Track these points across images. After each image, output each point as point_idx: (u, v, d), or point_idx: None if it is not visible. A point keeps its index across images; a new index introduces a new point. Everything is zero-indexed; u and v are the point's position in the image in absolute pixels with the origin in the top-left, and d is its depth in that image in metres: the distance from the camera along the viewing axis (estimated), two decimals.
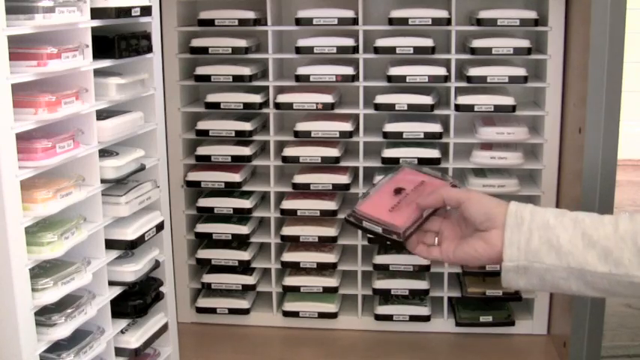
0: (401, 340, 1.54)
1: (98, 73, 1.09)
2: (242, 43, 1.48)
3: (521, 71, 1.44)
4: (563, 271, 0.95)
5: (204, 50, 1.50)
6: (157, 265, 1.26)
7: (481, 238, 0.99)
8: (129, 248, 1.17)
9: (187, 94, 1.59)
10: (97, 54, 1.08)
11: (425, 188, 1.06)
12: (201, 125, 1.54)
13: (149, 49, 1.20)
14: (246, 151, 1.53)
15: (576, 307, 1.33)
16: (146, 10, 1.17)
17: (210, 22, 1.49)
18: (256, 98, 1.51)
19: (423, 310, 1.54)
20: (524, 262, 0.96)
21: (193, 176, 1.55)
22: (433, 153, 1.48)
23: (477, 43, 1.43)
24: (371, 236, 1.05)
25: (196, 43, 1.50)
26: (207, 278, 1.59)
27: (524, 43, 1.43)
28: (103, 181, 1.11)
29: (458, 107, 1.46)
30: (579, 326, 1.33)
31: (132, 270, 1.18)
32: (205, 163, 1.54)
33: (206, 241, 1.59)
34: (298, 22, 1.46)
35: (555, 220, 0.96)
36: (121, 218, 1.16)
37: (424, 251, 1.04)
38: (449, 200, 1.03)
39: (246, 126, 1.52)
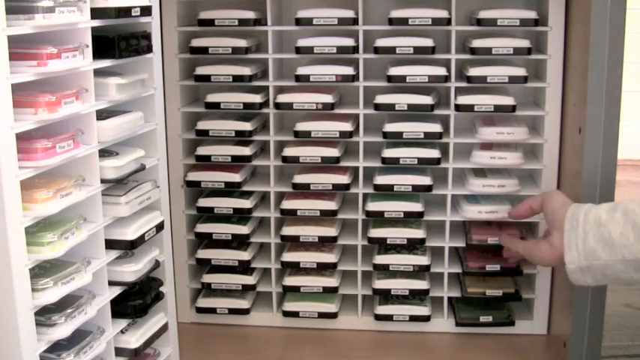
0: (401, 340, 1.54)
1: (98, 73, 1.09)
2: (242, 43, 1.48)
3: (521, 71, 1.44)
4: (621, 264, 1.00)
5: (204, 50, 1.50)
6: (157, 265, 1.26)
7: (547, 241, 1.09)
8: (129, 248, 1.17)
9: (187, 94, 1.59)
10: (97, 54, 1.08)
11: None
12: (201, 125, 1.54)
13: (149, 49, 1.20)
14: (246, 151, 1.53)
15: (576, 307, 1.33)
16: (146, 10, 1.17)
17: (210, 22, 1.49)
18: (256, 98, 1.50)
19: (423, 310, 1.54)
20: (584, 262, 1.03)
21: (193, 176, 1.55)
22: (433, 153, 1.48)
23: (477, 43, 1.43)
24: None
25: (196, 43, 1.50)
26: (207, 278, 1.59)
27: (524, 43, 1.43)
28: (103, 181, 1.11)
29: (458, 107, 1.46)
30: (579, 326, 1.33)
31: (132, 270, 1.18)
32: (205, 163, 1.54)
33: (206, 241, 1.59)
34: (298, 22, 1.46)
35: (607, 215, 1.01)
36: (121, 218, 1.16)
37: (513, 241, 1.25)
38: (535, 204, 1.18)
39: (246, 126, 1.52)
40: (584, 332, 1.33)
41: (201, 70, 1.51)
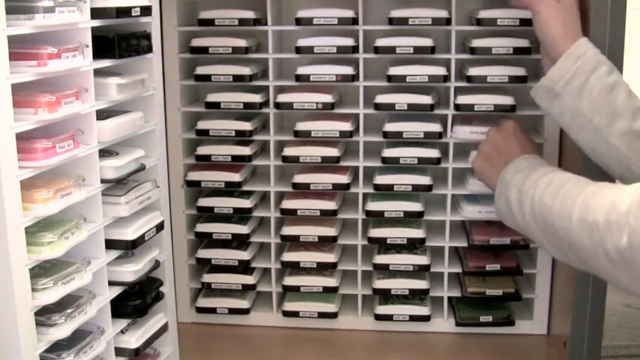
0: (401, 340, 1.54)
1: (98, 73, 1.09)
2: (242, 43, 1.48)
3: (521, 71, 1.44)
4: (581, 117, 1.11)
5: (204, 50, 1.50)
6: (157, 265, 1.26)
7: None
8: (129, 248, 1.17)
9: (187, 94, 1.59)
10: (97, 54, 1.08)
11: None
12: (201, 125, 1.54)
13: (149, 49, 1.20)
14: (246, 150, 1.53)
15: (576, 307, 1.33)
16: (146, 10, 1.17)
17: (210, 22, 1.49)
18: (256, 98, 1.51)
19: (423, 310, 1.54)
20: (558, 89, 1.12)
21: (193, 176, 1.55)
22: (433, 153, 1.48)
23: (476, 43, 1.43)
24: None
25: (196, 42, 1.50)
26: (207, 278, 1.59)
27: (524, 43, 1.43)
28: (103, 181, 1.11)
29: (458, 107, 1.46)
30: (579, 326, 1.33)
31: (132, 270, 1.18)
32: (205, 162, 1.54)
33: (206, 240, 1.59)
34: (298, 22, 1.46)
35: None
36: (121, 218, 1.16)
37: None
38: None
39: (246, 126, 1.52)
40: (584, 332, 1.33)
41: (201, 70, 1.51)
